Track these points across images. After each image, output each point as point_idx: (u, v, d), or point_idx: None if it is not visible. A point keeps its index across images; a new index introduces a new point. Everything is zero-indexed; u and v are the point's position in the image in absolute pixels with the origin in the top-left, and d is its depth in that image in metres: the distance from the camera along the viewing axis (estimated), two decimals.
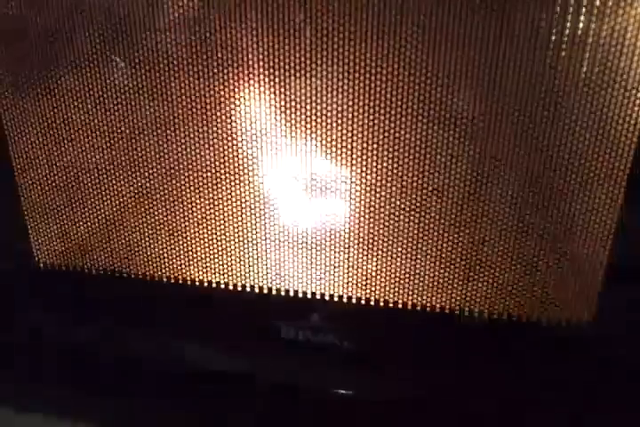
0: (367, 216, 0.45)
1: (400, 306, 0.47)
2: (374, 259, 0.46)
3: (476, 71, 0.39)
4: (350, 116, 0.42)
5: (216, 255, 0.49)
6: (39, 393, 0.57)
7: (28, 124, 0.49)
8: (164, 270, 0.51)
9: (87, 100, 0.47)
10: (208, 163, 0.46)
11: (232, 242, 0.48)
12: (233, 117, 0.45)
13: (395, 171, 0.43)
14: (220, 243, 0.49)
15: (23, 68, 0.47)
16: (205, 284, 0.50)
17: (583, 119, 0.39)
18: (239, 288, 0.50)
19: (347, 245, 0.46)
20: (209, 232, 0.49)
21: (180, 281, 0.51)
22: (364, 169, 0.44)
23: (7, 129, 0.49)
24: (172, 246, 0.50)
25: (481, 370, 0.46)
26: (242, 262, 0.49)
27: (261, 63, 0.42)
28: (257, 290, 0.49)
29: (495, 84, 0.39)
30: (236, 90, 0.44)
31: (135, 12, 0.42)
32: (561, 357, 0.45)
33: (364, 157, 0.43)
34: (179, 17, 0.42)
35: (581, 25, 0.37)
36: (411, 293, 0.46)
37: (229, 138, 0.45)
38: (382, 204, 0.44)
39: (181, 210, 0.49)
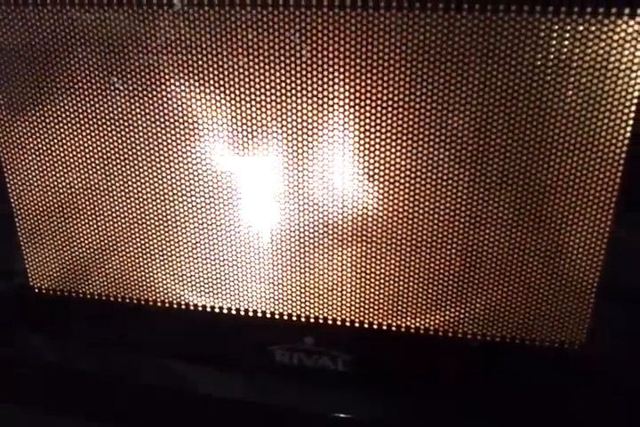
0: (359, 240, 0.45)
1: (394, 328, 0.47)
2: (368, 282, 0.46)
3: (467, 95, 0.40)
4: (330, 142, 0.43)
5: (210, 280, 0.49)
6: (32, 418, 0.56)
7: (22, 147, 0.49)
8: (157, 295, 0.51)
9: (82, 124, 0.47)
10: (202, 188, 0.47)
11: (226, 267, 0.49)
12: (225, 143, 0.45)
13: (388, 194, 0.43)
14: (213, 268, 0.49)
15: (18, 90, 0.47)
16: (200, 308, 0.50)
17: (572, 142, 0.39)
18: (233, 312, 0.50)
19: (340, 269, 0.46)
20: (203, 257, 0.49)
21: (175, 306, 0.51)
22: (357, 193, 0.44)
23: (2, 152, 0.50)
24: (166, 271, 0.50)
25: (475, 391, 0.46)
26: (236, 287, 0.49)
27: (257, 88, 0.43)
28: (251, 314, 0.49)
29: (485, 108, 0.40)
30: (233, 116, 0.44)
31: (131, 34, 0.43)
32: (553, 377, 0.45)
33: (355, 181, 0.44)
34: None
35: (565, 50, 0.37)
36: (404, 315, 0.46)
37: (222, 161, 0.46)
38: (375, 227, 0.45)
39: (176, 235, 0.49)
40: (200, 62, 0.43)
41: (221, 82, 0.43)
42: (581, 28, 0.37)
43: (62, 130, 0.48)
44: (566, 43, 0.37)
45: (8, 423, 0.57)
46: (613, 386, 0.43)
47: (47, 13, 0.44)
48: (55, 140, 0.48)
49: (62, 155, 0.49)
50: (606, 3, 0.36)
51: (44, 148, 0.49)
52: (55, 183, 0.50)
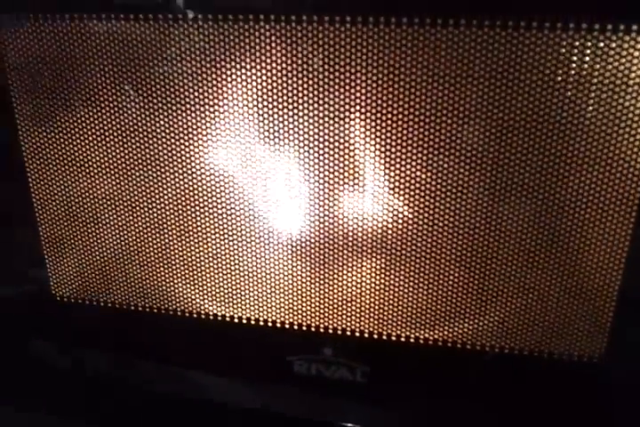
0: (378, 251, 0.46)
1: (412, 340, 0.47)
2: (387, 293, 0.46)
3: (487, 110, 0.40)
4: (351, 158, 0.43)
5: (230, 290, 0.50)
6: (51, 424, 0.57)
7: (46, 156, 0.50)
8: (177, 304, 0.52)
9: (105, 134, 0.48)
10: (223, 198, 0.47)
11: (246, 277, 0.49)
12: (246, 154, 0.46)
13: (407, 206, 0.44)
14: (233, 277, 0.49)
15: (43, 101, 0.48)
16: (219, 318, 0.51)
17: (592, 156, 0.40)
18: (252, 322, 0.50)
19: (360, 280, 0.47)
20: (222, 267, 0.49)
21: (195, 315, 0.51)
22: (377, 204, 0.44)
23: (27, 162, 0.51)
24: (186, 281, 0.51)
25: (491, 404, 0.46)
26: (255, 297, 0.49)
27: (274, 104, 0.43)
28: (270, 324, 0.50)
29: (506, 123, 0.40)
30: (253, 128, 0.45)
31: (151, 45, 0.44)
32: (571, 391, 0.45)
33: (375, 193, 0.44)
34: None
35: (586, 66, 0.38)
36: (422, 326, 0.46)
37: (243, 170, 0.46)
38: (394, 239, 0.45)
39: (196, 244, 0.49)
40: (220, 73, 0.43)
41: (239, 92, 0.44)
42: (602, 44, 0.37)
43: (85, 139, 0.48)
44: (587, 59, 0.38)
45: None
46: (634, 399, 0.43)
47: (69, 26, 0.45)
48: (78, 150, 0.49)
49: (85, 164, 0.49)
50: (627, 20, 0.36)
51: (68, 157, 0.49)
52: (78, 193, 0.51)
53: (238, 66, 0.43)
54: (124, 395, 0.55)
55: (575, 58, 0.38)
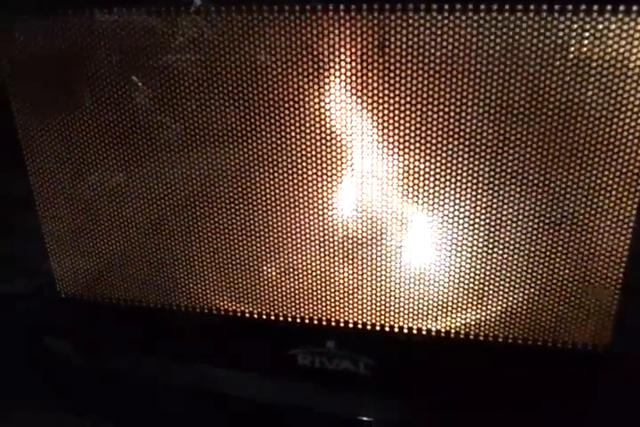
0: (380, 243, 0.45)
1: (415, 331, 0.47)
2: (390, 285, 0.46)
3: (485, 97, 0.39)
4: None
5: (233, 284, 0.50)
6: (66, 420, 0.58)
7: (48, 153, 0.50)
8: (181, 299, 0.52)
9: (107, 131, 0.48)
10: (226, 191, 0.47)
11: (249, 271, 0.49)
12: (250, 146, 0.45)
13: (408, 198, 0.43)
14: (237, 272, 0.49)
15: (43, 97, 0.48)
16: (223, 312, 0.51)
17: (593, 142, 0.39)
18: (256, 316, 0.50)
19: (362, 272, 0.46)
20: (226, 262, 0.49)
21: (198, 310, 0.51)
22: (379, 197, 0.44)
23: (28, 159, 0.51)
24: (191, 275, 0.51)
25: (496, 394, 0.46)
26: (259, 290, 0.49)
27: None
28: (273, 317, 0.50)
29: (504, 110, 0.39)
30: (260, 120, 0.44)
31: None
32: (578, 380, 0.44)
33: (374, 186, 0.44)
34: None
35: (585, 49, 0.37)
36: (426, 318, 0.46)
37: (244, 165, 0.46)
38: (396, 231, 0.45)
39: (200, 239, 0.49)
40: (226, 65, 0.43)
41: (246, 84, 0.43)
42: (601, 26, 0.36)
43: (87, 136, 0.48)
44: (586, 42, 0.37)
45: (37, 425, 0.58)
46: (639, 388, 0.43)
47: (73, 19, 0.44)
48: (81, 147, 0.49)
49: (87, 161, 0.49)
50: (627, 1, 0.35)
51: (70, 154, 0.49)
52: (80, 190, 0.51)
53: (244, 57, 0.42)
54: (131, 388, 0.55)
55: (574, 41, 0.37)
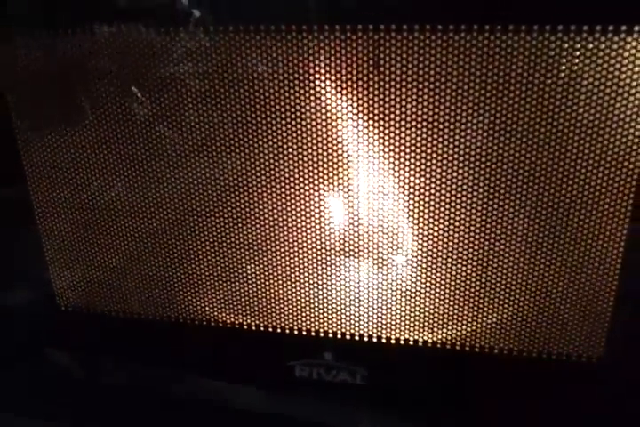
0: (376, 256, 0.46)
1: (411, 343, 0.47)
2: (386, 297, 0.47)
3: (478, 114, 0.40)
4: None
5: (232, 297, 0.50)
6: None
7: (48, 167, 0.50)
8: (180, 312, 0.52)
9: (106, 144, 0.48)
10: (224, 204, 0.47)
11: (248, 284, 0.49)
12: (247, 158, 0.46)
13: (404, 208, 0.44)
14: (235, 285, 0.50)
15: (43, 109, 0.48)
16: (221, 324, 0.51)
17: (585, 157, 0.39)
18: (254, 328, 0.51)
19: (359, 284, 0.47)
20: (224, 274, 0.50)
21: (197, 322, 0.52)
22: (374, 209, 0.45)
23: (28, 173, 0.51)
24: (189, 288, 0.51)
25: (492, 405, 0.47)
26: (257, 303, 0.50)
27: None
28: (271, 330, 0.50)
29: (497, 126, 0.40)
30: (258, 132, 0.45)
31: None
32: (570, 391, 0.45)
33: (369, 199, 0.44)
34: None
35: (575, 68, 0.38)
36: (422, 329, 0.47)
37: (244, 179, 0.47)
38: (392, 243, 0.45)
39: (198, 252, 0.50)
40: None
41: (244, 95, 0.44)
42: (591, 46, 0.37)
43: (87, 149, 0.49)
44: (576, 61, 0.38)
45: None
46: (633, 400, 0.43)
47: (73, 33, 0.45)
48: (80, 159, 0.49)
49: (87, 173, 0.50)
50: (616, 20, 0.36)
51: (70, 166, 0.50)
52: (80, 203, 0.51)
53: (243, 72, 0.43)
54: (131, 401, 0.56)
55: (564, 60, 0.38)
